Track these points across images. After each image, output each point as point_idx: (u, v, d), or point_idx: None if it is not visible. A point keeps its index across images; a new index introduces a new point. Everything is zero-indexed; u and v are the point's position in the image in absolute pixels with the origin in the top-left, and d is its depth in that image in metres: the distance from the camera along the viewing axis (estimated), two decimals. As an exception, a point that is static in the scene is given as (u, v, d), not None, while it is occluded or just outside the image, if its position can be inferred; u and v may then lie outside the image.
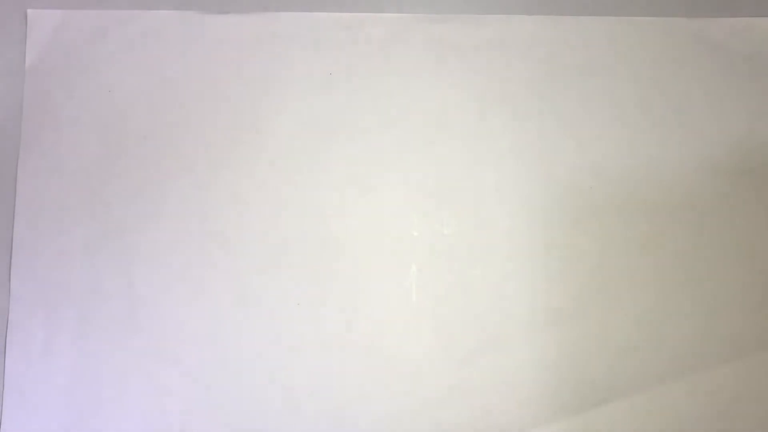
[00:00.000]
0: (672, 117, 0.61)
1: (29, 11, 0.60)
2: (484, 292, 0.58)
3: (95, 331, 0.58)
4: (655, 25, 0.62)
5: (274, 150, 0.60)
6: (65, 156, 0.60)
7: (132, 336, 0.58)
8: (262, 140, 0.60)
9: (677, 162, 0.60)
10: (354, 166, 0.59)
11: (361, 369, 0.58)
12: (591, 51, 0.62)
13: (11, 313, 0.58)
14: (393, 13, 0.61)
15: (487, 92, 0.61)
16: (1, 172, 0.59)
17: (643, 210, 0.60)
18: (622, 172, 0.60)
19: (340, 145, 0.60)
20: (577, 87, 0.61)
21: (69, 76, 0.60)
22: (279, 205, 0.59)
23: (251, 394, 0.57)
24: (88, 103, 0.60)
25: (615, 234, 0.59)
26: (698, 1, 0.63)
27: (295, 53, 0.61)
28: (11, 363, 0.57)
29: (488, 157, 0.60)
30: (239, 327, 0.58)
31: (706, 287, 0.59)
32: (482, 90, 0.61)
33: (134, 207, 0.59)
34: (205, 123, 0.60)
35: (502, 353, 0.58)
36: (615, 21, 0.62)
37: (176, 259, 0.58)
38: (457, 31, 0.61)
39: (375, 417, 0.57)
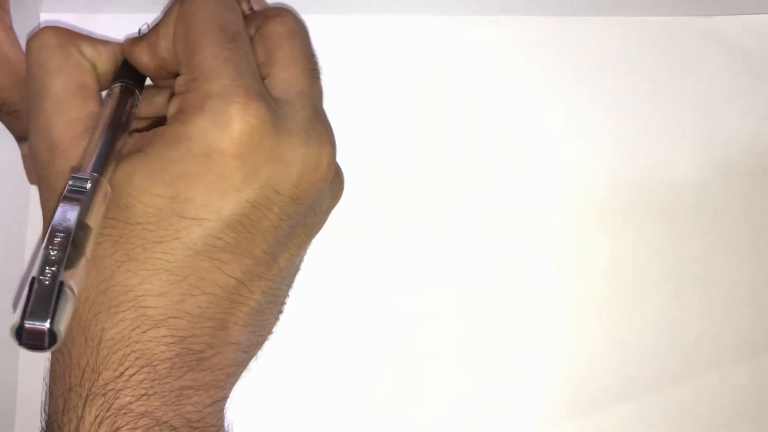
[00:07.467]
0: (684, 117, 0.60)
1: (42, 15, 0.61)
2: (495, 292, 0.58)
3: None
4: (667, 25, 0.62)
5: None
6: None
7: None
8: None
9: (689, 162, 0.59)
10: (363, 161, 0.59)
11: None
12: (601, 52, 0.61)
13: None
14: (402, 14, 0.61)
15: (497, 92, 0.61)
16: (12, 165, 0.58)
17: (655, 210, 0.59)
18: (634, 173, 0.59)
19: (349, 141, 0.59)
20: (588, 88, 0.61)
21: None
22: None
23: (251, 391, 0.57)
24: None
25: (627, 235, 0.58)
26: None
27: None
28: (25, 359, 0.57)
29: (498, 156, 0.60)
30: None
31: (718, 288, 0.58)
32: (493, 90, 0.61)
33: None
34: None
35: (513, 353, 0.57)
36: (626, 21, 0.62)
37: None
38: (467, 31, 0.61)
39: (378, 416, 0.57)
